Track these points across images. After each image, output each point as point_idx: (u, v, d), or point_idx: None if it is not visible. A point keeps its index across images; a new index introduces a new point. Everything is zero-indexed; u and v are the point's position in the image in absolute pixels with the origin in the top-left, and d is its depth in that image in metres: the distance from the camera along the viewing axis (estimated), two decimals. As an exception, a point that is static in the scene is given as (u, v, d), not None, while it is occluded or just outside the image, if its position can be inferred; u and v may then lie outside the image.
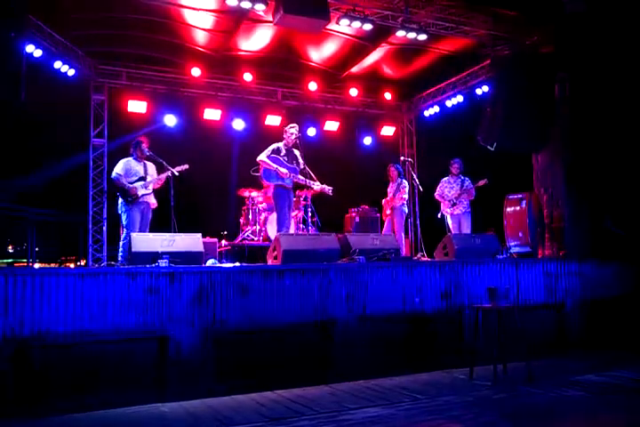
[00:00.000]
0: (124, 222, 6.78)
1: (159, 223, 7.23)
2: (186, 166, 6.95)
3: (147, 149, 6.92)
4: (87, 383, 4.08)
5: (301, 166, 7.11)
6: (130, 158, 6.96)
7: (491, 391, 4.40)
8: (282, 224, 6.93)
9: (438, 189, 8.60)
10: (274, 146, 7.05)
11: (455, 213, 8.33)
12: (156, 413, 3.98)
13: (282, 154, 7.02)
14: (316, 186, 7.13)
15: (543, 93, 7.55)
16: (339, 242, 5.71)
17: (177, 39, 9.06)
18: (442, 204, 8.53)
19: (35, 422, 3.79)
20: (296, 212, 8.92)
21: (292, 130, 7.06)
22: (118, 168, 6.86)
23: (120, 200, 6.82)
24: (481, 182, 8.25)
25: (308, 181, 7.05)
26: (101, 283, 4.18)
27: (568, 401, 4.07)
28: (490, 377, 4.65)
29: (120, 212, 6.85)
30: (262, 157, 6.93)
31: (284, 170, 6.92)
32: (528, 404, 4.05)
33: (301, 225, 8.84)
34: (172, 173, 6.89)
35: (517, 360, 4.99)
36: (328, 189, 7.15)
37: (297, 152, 7.16)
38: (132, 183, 6.78)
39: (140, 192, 6.78)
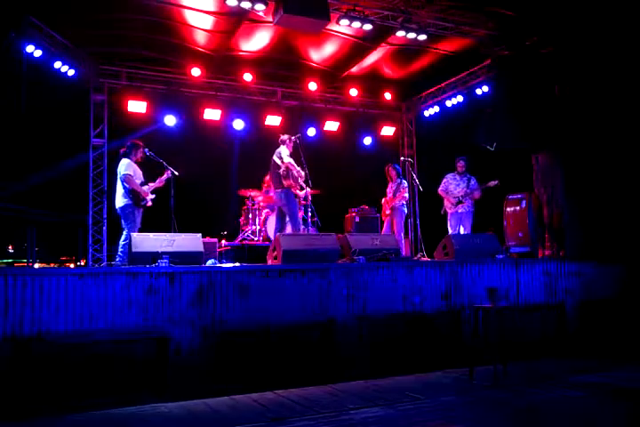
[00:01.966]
0: (127, 225, 6.61)
1: (159, 223, 7.21)
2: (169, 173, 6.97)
3: (147, 150, 6.89)
4: (87, 383, 4.08)
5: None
6: (130, 160, 6.79)
7: (491, 391, 4.40)
8: (297, 225, 7.23)
9: (443, 184, 8.52)
10: (287, 151, 7.36)
11: (459, 211, 8.29)
12: (156, 413, 3.98)
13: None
14: (306, 190, 7.52)
15: (543, 94, 7.55)
16: (339, 242, 5.72)
17: (177, 39, 9.05)
18: (445, 200, 8.47)
19: (34, 423, 3.79)
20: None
21: (294, 141, 7.51)
22: (127, 168, 6.66)
23: (127, 201, 6.63)
24: (492, 183, 8.17)
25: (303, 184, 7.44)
26: (101, 283, 4.18)
27: (568, 401, 4.08)
28: (490, 377, 4.66)
29: (123, 213, 6.65)
30: (289, 159, 7.27)
31: (303, 173, 7.27)
32: (528, 404, 4.05)
33: (302, 225, 8.83)
34: (173, 172, 6.87)
35: (517, 360, 4.99)
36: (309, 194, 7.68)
37: None
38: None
39: (149, 197, 6.78)
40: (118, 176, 6.75)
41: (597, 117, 7.18)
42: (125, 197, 6.65)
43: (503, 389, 4.46)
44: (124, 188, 6.65)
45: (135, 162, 6.85)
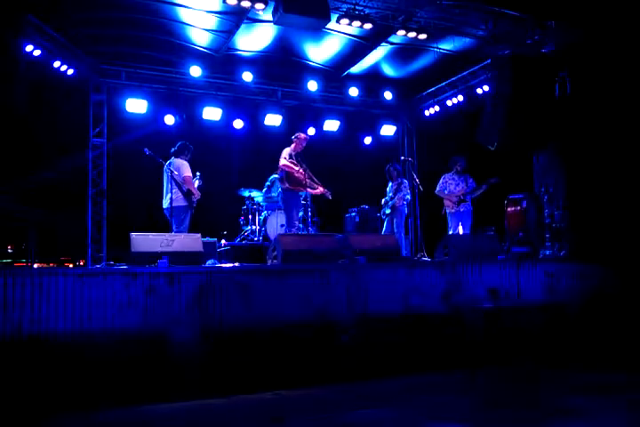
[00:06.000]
0: (176, 226, 6.60)
1: (159, 223, 7.20)
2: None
3: (146, 150, 6.88)
4: (86, 384, 4.06)
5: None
6: (186, 161, 6.95)
7: (492, 392, 4.38)
8: (291, 225, 7.23)
9: (441, 184, 8.49)
10: (287, 151, 7.34)
11: (461, 210, 8.28)
12: (155, 413, 3.96)
13: (292, 159, 7.34)
14: (319, 189, 7.45)
15: (544, 93, 7.54)
16: (339, 242, 5.70)
17: (177, 39, 9.03)
18: (445, 200, 8.43)
19: (32, 424, 3.77)
20: (296, 212, 8.89)
21: (304, 142, 7.44)
22: (186, 170, 6.82)
23: (183, 202, 6.71)
24: (492, 180, 8.13)
25: (313, 184, 7.41)
26: (101, 283, 4.16)
27: (569, 402, 4.06)
28: (490, 377, 4.64)
29: (176, 213, 6.63)
30: (284, 161, 7.22)
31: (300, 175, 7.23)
32: (529, 404, 4.03)
33: (301, 225, 8.81)
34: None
35: (518, 360, 4.97)
36: (328, 193, 7.54)
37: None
38: None
39: (197, 198, 6.94)
40: (170, 175, 6.70)
41: (599, 117, 7.15)
42: (182, 199, 6.70)
43: (504, 389, 4.43)
44: (182, 189, 6.68)
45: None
